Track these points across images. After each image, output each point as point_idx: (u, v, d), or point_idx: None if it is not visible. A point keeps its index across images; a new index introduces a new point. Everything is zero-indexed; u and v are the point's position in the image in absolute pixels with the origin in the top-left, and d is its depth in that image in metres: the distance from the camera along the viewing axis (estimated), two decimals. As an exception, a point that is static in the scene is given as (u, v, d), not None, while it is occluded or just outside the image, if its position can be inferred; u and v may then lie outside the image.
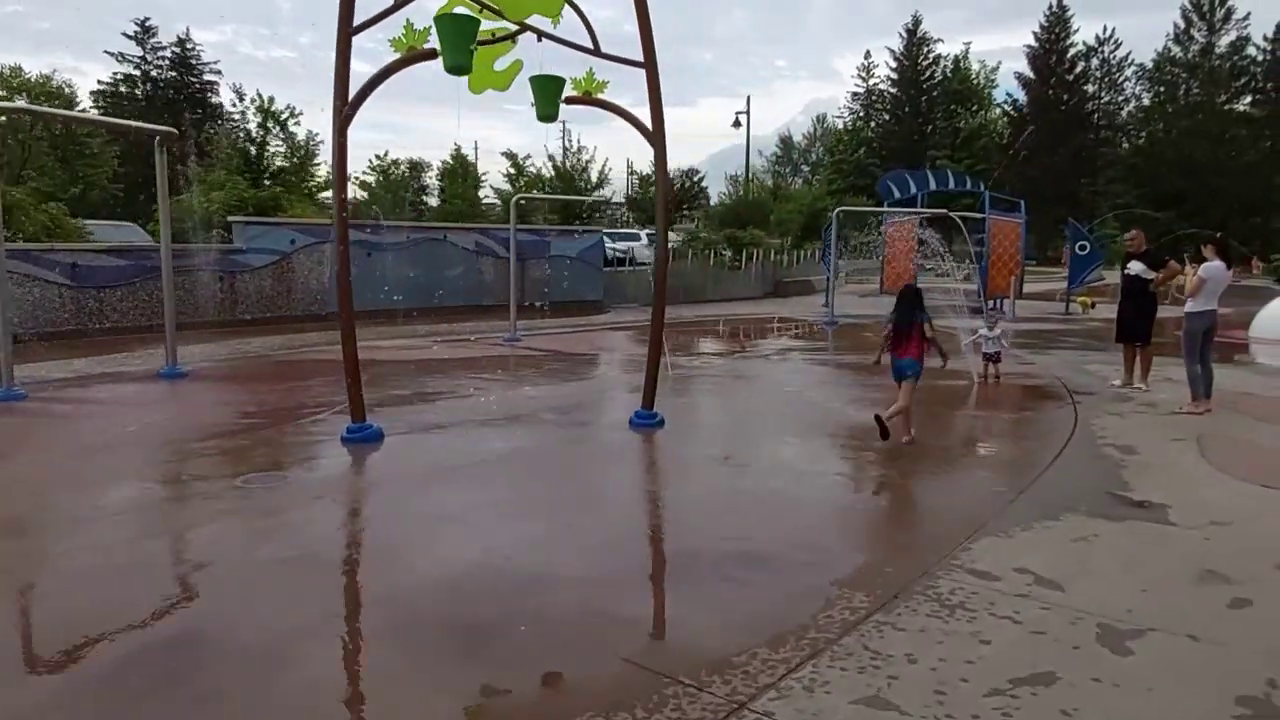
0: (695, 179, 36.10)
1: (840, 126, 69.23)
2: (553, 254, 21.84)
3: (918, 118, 64.31)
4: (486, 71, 7.74)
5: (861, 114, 67.87)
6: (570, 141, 37.13)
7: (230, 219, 16.68)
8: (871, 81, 67.48)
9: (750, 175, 67.58)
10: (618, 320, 19.57)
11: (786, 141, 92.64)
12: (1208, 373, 8.34)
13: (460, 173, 44.01)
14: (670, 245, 30.44)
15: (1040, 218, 55.75)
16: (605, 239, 32.01)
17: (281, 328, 16.01)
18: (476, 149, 45.11)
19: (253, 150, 22.39)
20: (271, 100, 24.39)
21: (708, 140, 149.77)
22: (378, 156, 49.66)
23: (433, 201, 47.69)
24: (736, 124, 41.34)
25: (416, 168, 52.54)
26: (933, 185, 25.15)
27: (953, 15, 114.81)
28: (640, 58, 7.32)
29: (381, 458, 6.47)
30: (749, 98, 42.57)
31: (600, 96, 7.70)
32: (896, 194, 25.00)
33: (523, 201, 21.36)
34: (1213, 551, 4.41)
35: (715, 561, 4.27)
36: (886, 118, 66.55)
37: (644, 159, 47.13)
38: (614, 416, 7.96)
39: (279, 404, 8.87)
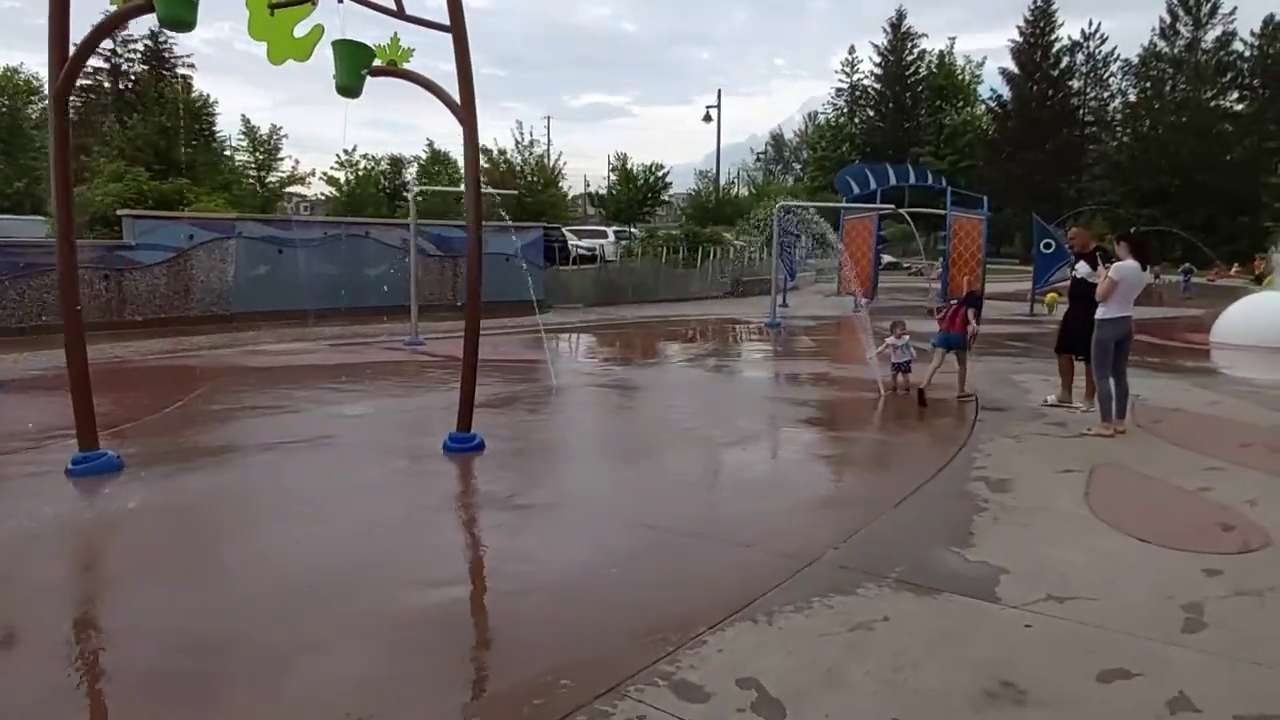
0: (660, 174, 35.04)
1: (823, 122, 68.18)
2: (489, 251, 20.73)
3: (902, 113, 63.23)
4: (285, 39, 6.66)
5: (846, 110, 66.73)
6: (550, 137, 36.06)
7: (120, 213, 15.53)
8: (856, 77, 66.42)
9: (739, 172, 66.61)
10: (551, 321, 18.45)
11: (779, 139, 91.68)
12: (1122, 389, 7.27)
13: (433, 169, 42.98)
14: (625, 242, 29.73)
15: (1024, 216, 54.75)
16: (571, 236, 31.04)
17: (176, 329, 14.92)
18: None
19: (162, 143, 21.24)
20: (188, 88, 23.21)
21: (705, 137, 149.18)
22: (345, 152, 48.65)
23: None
24: (707, 119, 40.27)
25: (397, 163, 51.38)
26: (893, 180, 24.01)
27: (953, 15, 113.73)
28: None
29: (82, 497, 5.30)
30: (719, 91, 41.49)
31: (405, 67, 6.66)
32: (856, 189, 23.87)
33: (420, 197, 20.26)
34: (1026, 648, 3.32)
35: (333, 675, 3.15)
36: (871, 113, 65.45)
37: (641, 156, 45.90)
38: (437, 438, 6.84)
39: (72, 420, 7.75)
